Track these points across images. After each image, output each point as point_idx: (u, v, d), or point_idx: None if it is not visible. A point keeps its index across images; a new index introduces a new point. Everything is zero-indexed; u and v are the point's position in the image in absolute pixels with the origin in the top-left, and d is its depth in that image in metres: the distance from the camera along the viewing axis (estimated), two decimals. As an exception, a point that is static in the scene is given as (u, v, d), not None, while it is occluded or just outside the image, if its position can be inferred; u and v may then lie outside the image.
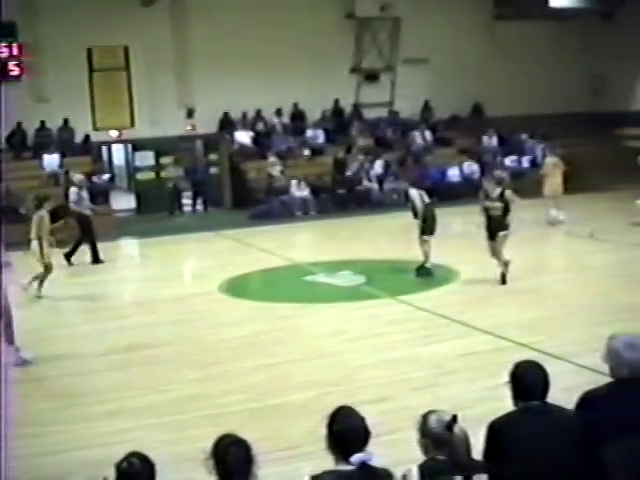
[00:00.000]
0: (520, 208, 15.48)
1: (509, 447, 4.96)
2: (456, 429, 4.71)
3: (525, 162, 29.66)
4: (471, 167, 29.00)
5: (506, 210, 14.89)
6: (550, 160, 22.92)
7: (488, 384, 9.12)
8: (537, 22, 31.88)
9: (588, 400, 5.39)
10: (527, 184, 23.58)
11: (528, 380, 5.18)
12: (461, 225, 22.95)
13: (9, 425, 8.36)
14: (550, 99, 31.44)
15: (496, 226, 14.91)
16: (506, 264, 14.96)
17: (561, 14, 31.44)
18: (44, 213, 15.99)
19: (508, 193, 15.02)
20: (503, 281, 14.92)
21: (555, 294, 14.28)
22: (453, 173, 28.69)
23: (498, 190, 14.97)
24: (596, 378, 6.44)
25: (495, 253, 15.07)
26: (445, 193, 25.90)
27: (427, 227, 16.11)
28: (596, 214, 22.64)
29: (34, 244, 15.61)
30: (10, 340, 11.23)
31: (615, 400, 5.27)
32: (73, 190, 19.76)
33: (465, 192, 26.86)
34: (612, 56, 32.27)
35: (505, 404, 5.29)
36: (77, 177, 20.37)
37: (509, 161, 29.41)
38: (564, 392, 6.60)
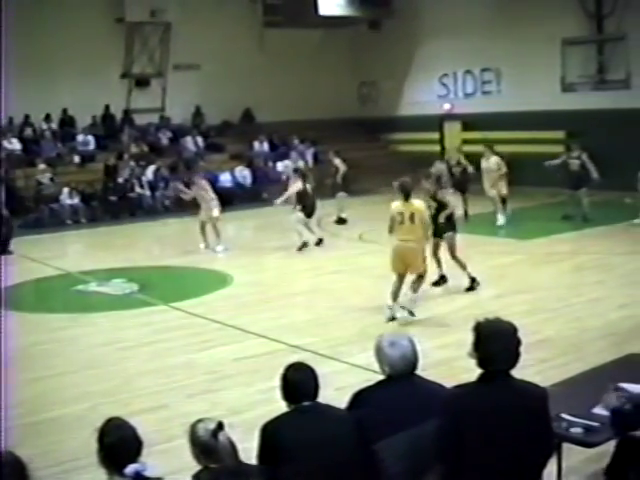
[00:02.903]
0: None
1: (282, 449, 4.99)
2: (221, 436, 4.70)
3: (297, 167, 30.16)
4: (243, 172, 29.28)
5: (440, 210, 13.95)
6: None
7: (263, 387, 9.21)
8: (306, 30, 32.51)
9: (360, 398, 5.54)
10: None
11: (298, 381, 5.24)
12: (235, 230, 23.09)
13: None
14: (320, 105, 32.14)
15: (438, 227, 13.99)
16: (464, 267, 14.23)
17: (330, 22, 32.17)
18: None
19: (441, 193, 14.15)
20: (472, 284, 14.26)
21: (327, 296, 14.51)
22: (225, 179, 28.80)
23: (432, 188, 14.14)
24: (368, 376, 6.65)
25: (453, 256, 14.29)
26: (218, 198, 26.01)
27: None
28: (366, 217, 23.26)
29: None
30: None
31: (385, 397, 5.44)
32: None
33: (238, 197, 27.19)
34: (380, 64, 33.39)
35: (280, 406, 5.34)
36: None
37: (281, 166, 29.82)
38: (338, 391, 6.81)
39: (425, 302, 13.61)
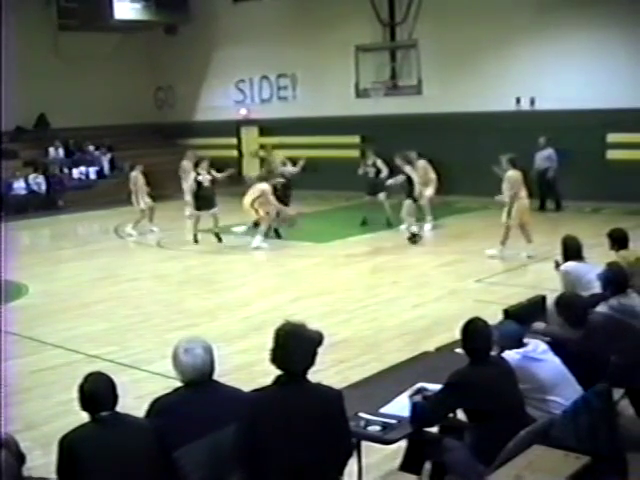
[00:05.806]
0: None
1: (80, 461, 4.91)
2: (2, 455, 4.56)
3: (92, 173, 29.72)
4: (37, 180, 28.53)
5: None
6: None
7: (62, 399, 9.02)
8: (102, 34, 31.89)
9: (158, 406, 5.50)
10: (96, 195, 23.72)
11: (95, 391, 5.15)
12: (29, 238, 22.55)
13: None
14: (117, 111, 31.65)
15: None
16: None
17: (126, 26, 31.72)
18: None
19: None
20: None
21: (125, 304, 14.32)
22: (19, 186, 28.02)
23: None
24: (168, 384, 6.63)
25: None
26: (12, 207, 25.43)
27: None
28: (164, 223, 23.18)
29: None
30: None
31: (183, 404, 5.44)
32: None
33: (32, 205, 26.53)
34: (177, 69, 33.20)
35: (81, 417, 5.26)
36: None
37: (77, 172, 29.28)
38: (137, 400, 6.75)
39: (225, 308, 13.71)
